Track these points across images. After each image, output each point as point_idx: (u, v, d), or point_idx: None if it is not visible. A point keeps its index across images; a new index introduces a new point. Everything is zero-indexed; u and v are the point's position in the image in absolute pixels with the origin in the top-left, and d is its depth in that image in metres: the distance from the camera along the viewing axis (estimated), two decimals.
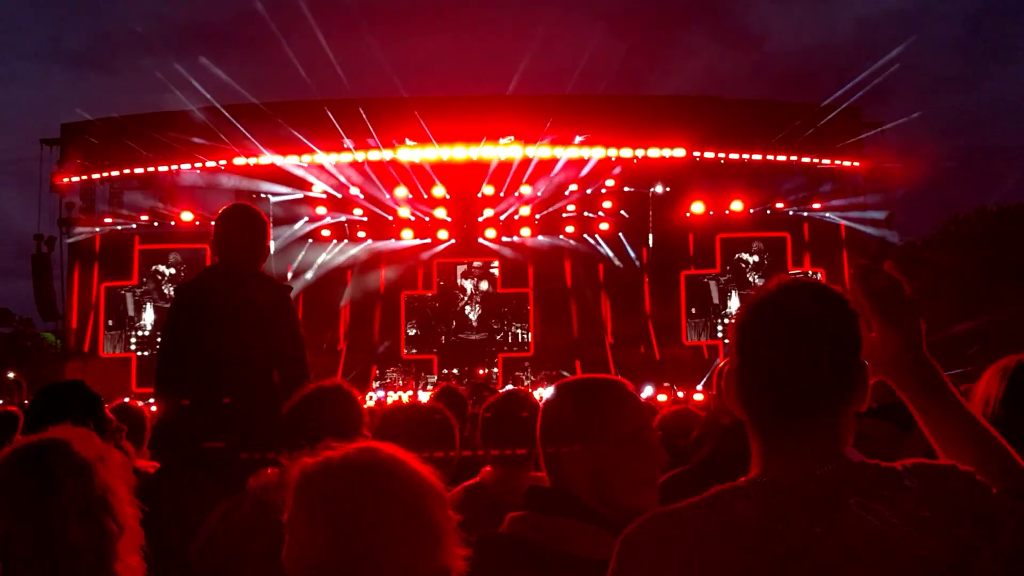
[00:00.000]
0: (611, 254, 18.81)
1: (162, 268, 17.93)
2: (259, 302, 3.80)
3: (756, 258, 18.70)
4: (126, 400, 5.67)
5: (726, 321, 18.37)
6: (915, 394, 1.55)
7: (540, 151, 16.53)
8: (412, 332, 19.04)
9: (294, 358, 3.82)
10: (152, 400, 4.00)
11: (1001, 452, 1.48)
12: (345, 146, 16.22)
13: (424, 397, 14.11)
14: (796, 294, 1.46)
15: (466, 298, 19.26)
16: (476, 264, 19.29)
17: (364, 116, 15.75)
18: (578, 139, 16.41)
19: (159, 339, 4.12)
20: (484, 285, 19.29)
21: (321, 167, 16.84)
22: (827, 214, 18.36)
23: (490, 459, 3.16)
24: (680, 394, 14.26)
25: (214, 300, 3.83)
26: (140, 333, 17.90)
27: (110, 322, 17.84)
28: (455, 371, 18.04)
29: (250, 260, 3.94)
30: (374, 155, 16.48)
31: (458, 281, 19.30)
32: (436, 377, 17.90)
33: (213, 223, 4.06)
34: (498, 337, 19.08)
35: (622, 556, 1.43)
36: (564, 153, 16.68)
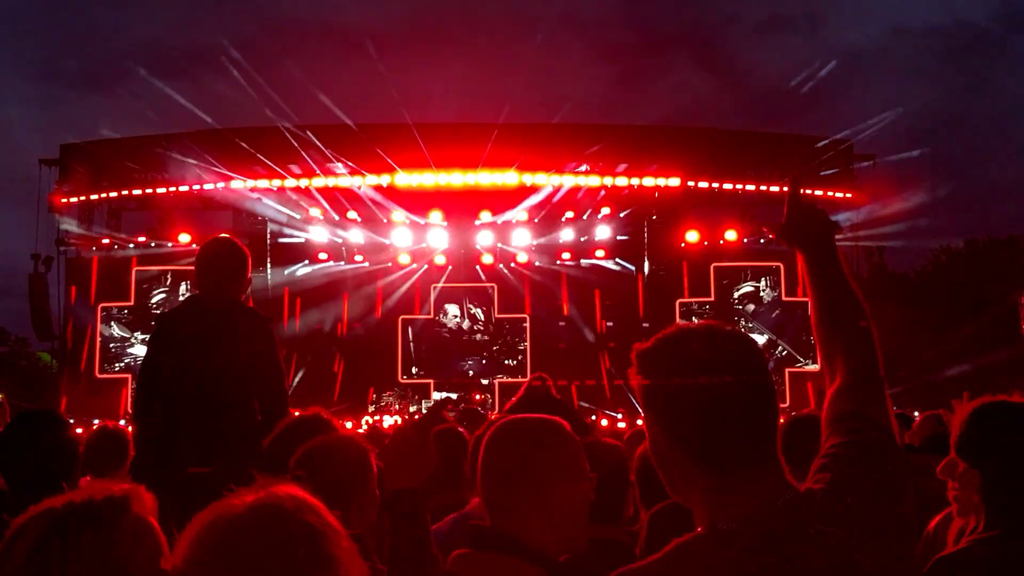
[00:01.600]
0: (606, 288, 18.89)
1: (157, 294, 17.94)
2: (237, 334, 3.82)
3: (750, 288, 18.81)
4: (113, 423, 5.70)
5: None
6: (817, 258, 1.88)
7: (537, 178, 16.66)
8: (408, 356, 19.06)
9: (273, 390, 3.85)
10: (133, 427, 4.02)
11: (864, 330, 1.72)
12: (342, 170, 16.33)
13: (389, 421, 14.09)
14: (705, 340, 1.50)
15: (463, 323, 19.30)
16: (473, 289, 19.35)
17: (361, 141, 15.88)
18: (574, 166, 16.56)
19: (140, 370, 4.19)
20: (481, 310, 19.35)
21: (318, 190, 16.93)
22: None
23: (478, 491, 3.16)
24: None
25: (191, 331, 3.87)
26: (133, 355, 17.89)
27: (106, 343, 17.82)
28: (452, 395, 18.06)
29: (228, 291, 3.97)
30: (371, 179, 16.59)
31: (455, 306, 19.36)
32: (432, 403, 17.91)
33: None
34: (495, 362, 19.12)
35: None
36: (561, 180, 16.81)
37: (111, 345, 17.82)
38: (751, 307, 18.65)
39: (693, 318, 18.51)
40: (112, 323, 17.84)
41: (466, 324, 19.23)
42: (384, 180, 16.39)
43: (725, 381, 1.43)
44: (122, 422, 14.49)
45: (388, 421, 15.52)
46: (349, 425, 11.33)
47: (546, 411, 2.22)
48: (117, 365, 17.85)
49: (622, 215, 18.25)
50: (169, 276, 17.97)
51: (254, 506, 1.23)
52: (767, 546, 1.36)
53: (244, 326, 3.88)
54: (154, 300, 17.97)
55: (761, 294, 18.69)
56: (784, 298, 18.65)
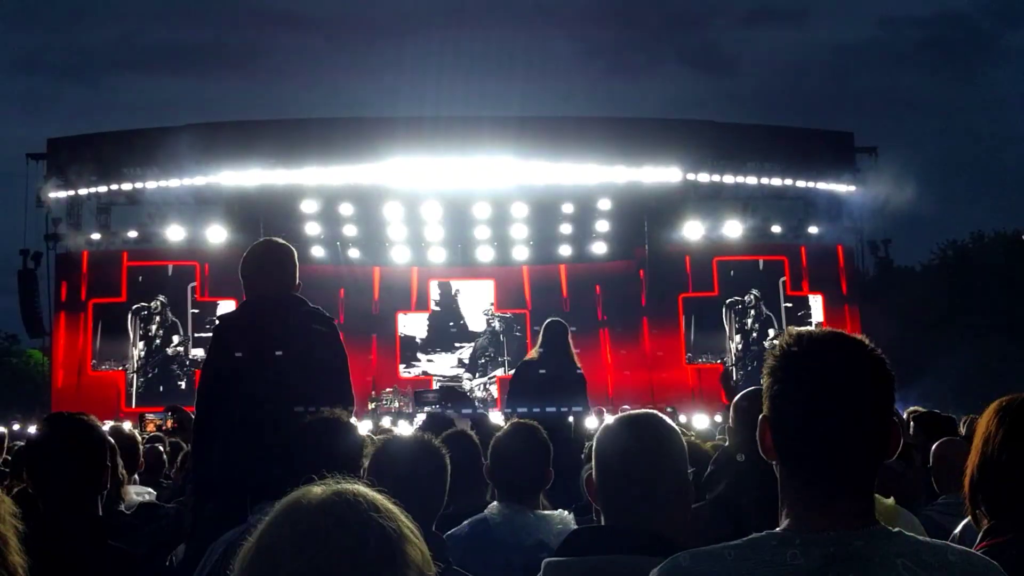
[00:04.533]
0: (606, 282, 18.66)
1: (148, 290, 17.69)
2: (307, 331, 3.76)
3: (754, 281, 18.59)
4: (124, 423, 5.49)
5: (733, 347, 18.25)
6: None
7: (536, 171, 16.43)
8: (406, 352, 18.84)
9: (343, 388, 3.74)
10: (192, 439, 3.87)
11: None
12: (337, 163, 16.10)
13: (421, 419, 13.90)
14: (840, 350, 1.46)
15: (462, 318, 19.08)
16: (472, 284, 19.13)
17: (355, 134, 15.66)
18: (574, 159, 16.33)
19: (201, 373, 3.98)
20: (480, 305, 19.12)
21: (313, 185, 16.69)
22: (823, 238, 18.30)
23: (497, 495, 3.14)
24: (683, 419, 14.06)
25: (262, 330, 3.73)
26: (133, 352, 17.63)
27: (97, 340, 17.54)
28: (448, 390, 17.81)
29: (288, 289, 3.87)
30: (367, 174, 16.34)
31: (452, 301, 19.13)
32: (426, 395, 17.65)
33: (244, 257, 3.95)
34: (495, 358, 18.89)
35: None
36: (559, 173, 16.59)
37: (103, 342, 17.54)
38: (749, 300, 18.44)
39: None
40: (106, 320, 17.56)
41: (465, 319, 19.00)
42: (379, 173, 16.14)
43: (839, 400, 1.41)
44: (109, 424, 14.20)
45: (387, 421, 15.21)
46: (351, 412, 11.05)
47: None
48: (109, 363, 17.58)
49: (622, 208, 17.99)
50: (160, 272, 17.69)
51: (329, 496, 1.24)
52: (849, 558, 1.36)
53: (312, 321, 3.81)
54: (145, 295, 17.71)
55: (765, 288, 18.45)
56: (788, 292, 18.42)
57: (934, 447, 4.18)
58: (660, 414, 2.11)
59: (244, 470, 3.39)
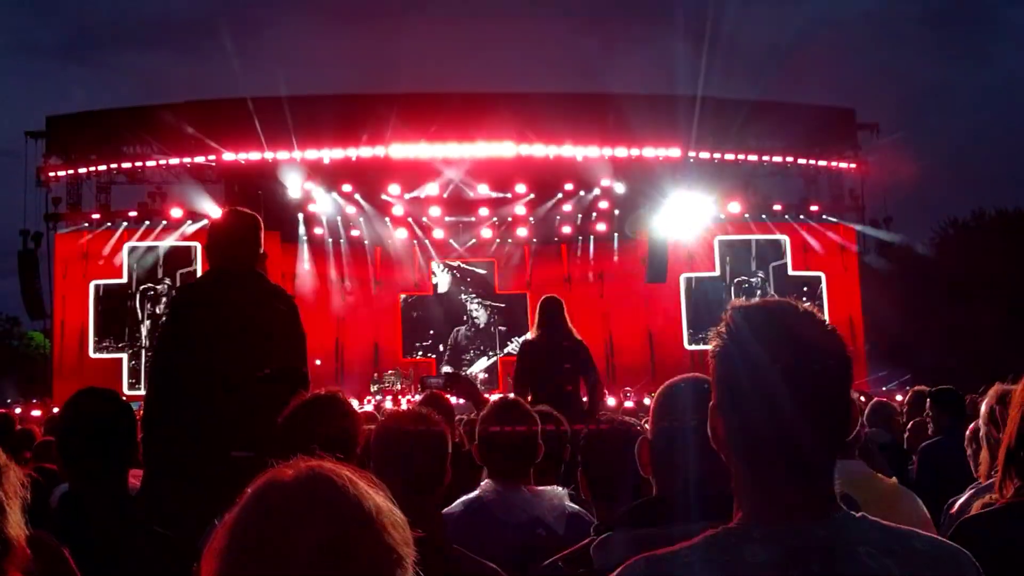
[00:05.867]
0: (607, 261, 18.61)
1: (150, 270, 17.66)
2: (264, 306, 3.72)
3: (756, 260, 18.55)
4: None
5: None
6: None
7: (535, 149, 16.34)
8: (409, 334, 18.84)
9: (299, 365, 3.74)
10: (144, 407, 3.76)
11: None
12: (336, 143, 16.01)
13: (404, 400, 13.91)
14: (792, 329, 1.35)
15: (463, 299, 19.06)
16: (472, 265, 19.09)
17: (354, 111, 15.57)
18: (573, 140, 16.24)
19: (155, 345, 3.96)
20: (480, 286, 19.10)
21: (314, 163, 16.62)
22: (825, 216, 18.24)
23: (488, 472, 3.12)
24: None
25: (217, 305, 3.71)
26: (133, 334, 17.62)
27: (99, 321, 17.53)
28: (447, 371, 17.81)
29: (248, 264, 3.84)
30: (366, 152, 16.26)
31: (454, 282, 19.11)
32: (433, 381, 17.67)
33: (207, 227, 3.98)
34: (496, 339, 18.89)
35: None
36: (559, 152, 16.50)
37: (105, 323, 17.53)
38: (753, 279, 18.41)
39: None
40: (106, 301, 17.54)
41: (466, 300, 18.99)
42: (380, 152, 16.06)
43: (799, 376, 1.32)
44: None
45: (390, 401, 15.24)
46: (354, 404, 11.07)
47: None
48: (111, 344, 17.58)
49: (622, 186, 17.91)
50: (162, 251, 17.66)
51: (303, 475, 1.21)
52: (811, 550, 1.30)
53: (269, 299, 3.79)
54: (147, 276, 17.69)
55: (767, 266, 18.43)
56: (793, 270, 18.38)
57: (969, 431, 4.01)
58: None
59: (193, 447, 3.39)
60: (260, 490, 1.20)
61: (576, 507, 3.04)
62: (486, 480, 3.10)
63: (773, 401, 1.31)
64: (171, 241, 17.51)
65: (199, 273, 17.53)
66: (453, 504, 3.05)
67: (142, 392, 16.77)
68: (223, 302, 3.70)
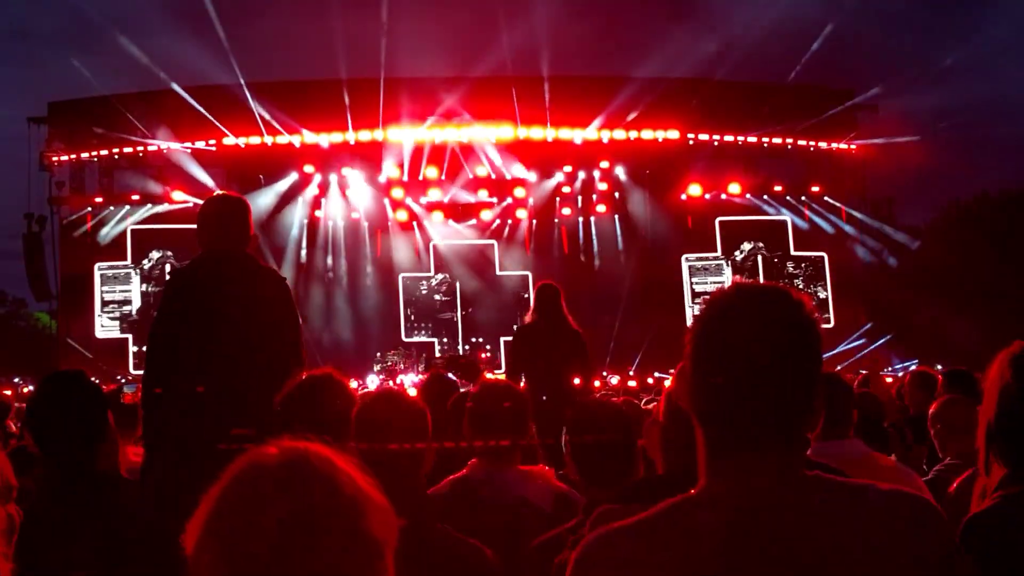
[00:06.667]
0: (608, 243, 18.64)
1: (153, 253, 17.77)
2: (257, 287, 3.77)
3: (758, 243, 18.56)
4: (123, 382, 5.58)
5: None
6: None
7: (534, 132, 16.35)
8: (409, 315, 18.90)
9: (292, 343, 3.79)
10: (143, 386, 3.86)
11: None
12: (337, 127, 16.04)
13: (410, 380, 13.98)
14: (764, 304, 1.41)
15: (464, 280, 19.10)
16: (473, 246, 19.11)
17: (354, 97, 15.57)
18: (573, 119, 16.24)
19: (152, 327, 4.01)
20: (481, 266, 19.13)
21: (314, 147, 16.65)
22: (826, 197, 18.24)
23: (476, 451, 3.14)
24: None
25: (211, 286, 3.77)
26: (136, 315, 17.74)
27: (104, 303, 17.66)
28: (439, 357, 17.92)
29: (239, 245, 3.89)
30: (365, 135, 16.29)
31: (454, 263, 19.14)
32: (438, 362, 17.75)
33: (198, 212, 3.98)
34: (497, 319, 18.92)
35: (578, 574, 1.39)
36: (559, 134, 16.51)
37: (109, 305, 17.66)
38: (752, 262, 18.44)
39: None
40: (109, 283, 17.67)
41: (467, 282, 19.02)
42: (378, 135, 16.08)
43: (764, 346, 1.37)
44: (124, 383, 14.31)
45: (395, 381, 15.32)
46: (355, 384, 11.16)
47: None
48: (116, 325, 17.71)
49: (622, 169, 17.93)
50: (164, 234, 17.76)
51: (284, 455, 1.20)
52: (762, 515, 1.32)
53: (261, 279, 3.84)
54: (150, 258, 17.80)
55: (768, 248, 18.45)
56: (793, 252, 18.41)
57: (931, 409, 4.14)
58: None
59: (190, 426, 3.45)
60: (241, 468, 1.20)
61: (564, 487, 3.10)
62: (474, 460, 3.14)
63: (739, 368, 1.37)
64: (172, 224, 17.61)
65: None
66: (441, 484, 3.08)
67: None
68: (218, 282, 3.75)
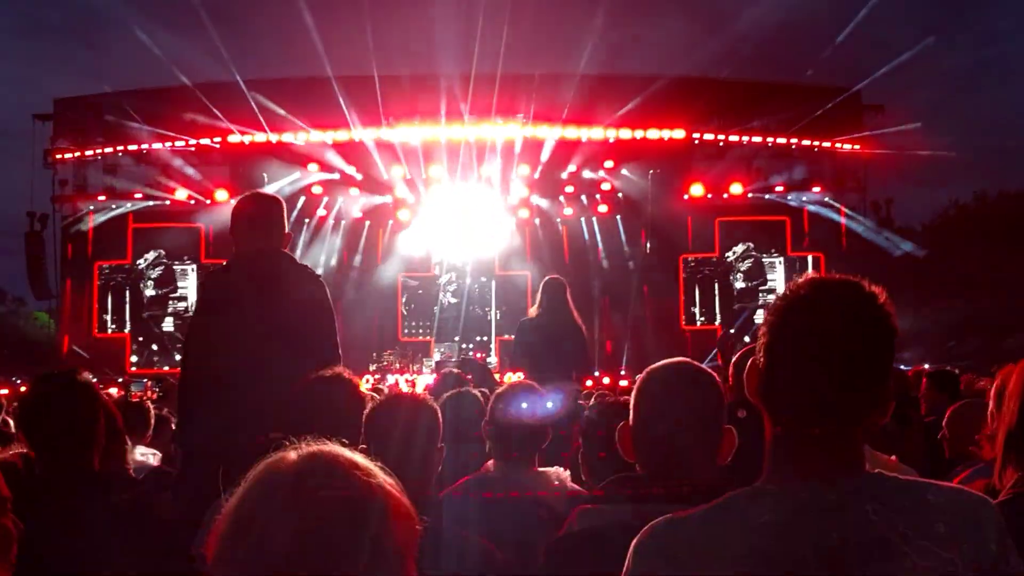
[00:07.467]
0: (609, 243, 18.66)
1: (152, 252, 17.79)
2: (301, 293, 3.70)
3: (753, 243, 18.58)
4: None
5: (735, 306, 18.34)
6: None
7: (538, 131, 16.34)
8: (408, 314, 18.91)
9: (331, 344, 3.72)
10: (178, 401, 3.84)
11: None
12: (341, 124, 16.03)
13: (422, 380, 13.98)
14: (837, 299, 1.42)
15: (463, 280, 19.10)
16: (473, 245, 19.12)
17: (358, 94, 15.56)
18: (578, 118, 16.23)
19: (188, 329, 3.95)
20: (481, 265, 19.14)
21: (317, 145, 16.64)
22: (826, 198, 18.25)
23: (494, 453, 3.19)
24: None
25: (247, 288, 3.69)
26: (137, 314, 17.75)
27: (104, 302, 17.67)
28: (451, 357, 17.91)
29: (275, 245, 3.82)
30: (371, 133, 16.28)
31: (456, 263, 19.15)
32: (433, 361, 17.75)
33: (232, 211, 3.91)
34: (496, 319, 18.94)
35: (636, 561, 1.43)
36: (562, 133, 16.50)
37: (109, 304, 17.67)
38: (747, 264, 18.48)
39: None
40: (110, 281, 17.67)
41: (466, 281, 19.03)
42: (383, 133, 16.08)
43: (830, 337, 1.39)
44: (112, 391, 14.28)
45: (390, 380, 15.35)
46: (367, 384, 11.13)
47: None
48: (116, 324, 17.71)
49: (625, 168, 17.92)
50: (167, 232, 17.77)
51: (304, 460, 1.19)
52: (817, 509, 1.34)
53: (297, 278, 3.76)
54: (151, 258, 17.81)
55: (764, 248, 18.48)
56: (789, 253, 18.43)
57: (949, 411, 4.12)
58: (696, 363, 2.13)
59: (230, 432, 3.41)
60: (258, 474, 1.20)
61: (577, 487, 3.11)
62: (491, 461, 3.16)
63: (815, 361, 1.38)
64: (175, 223, 17.62)
65: (202, 256, 17.66)
66: (456, 483, 3.09)
67: (146, 370, 16.99)
68: (253, 282, 3.68)
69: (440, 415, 2.70)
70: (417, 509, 1.26)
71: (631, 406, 2.09)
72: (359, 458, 1.23)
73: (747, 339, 17.64)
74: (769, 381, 1.44)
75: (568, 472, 3.14)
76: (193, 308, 17.61)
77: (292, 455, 1.21)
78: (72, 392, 2.76)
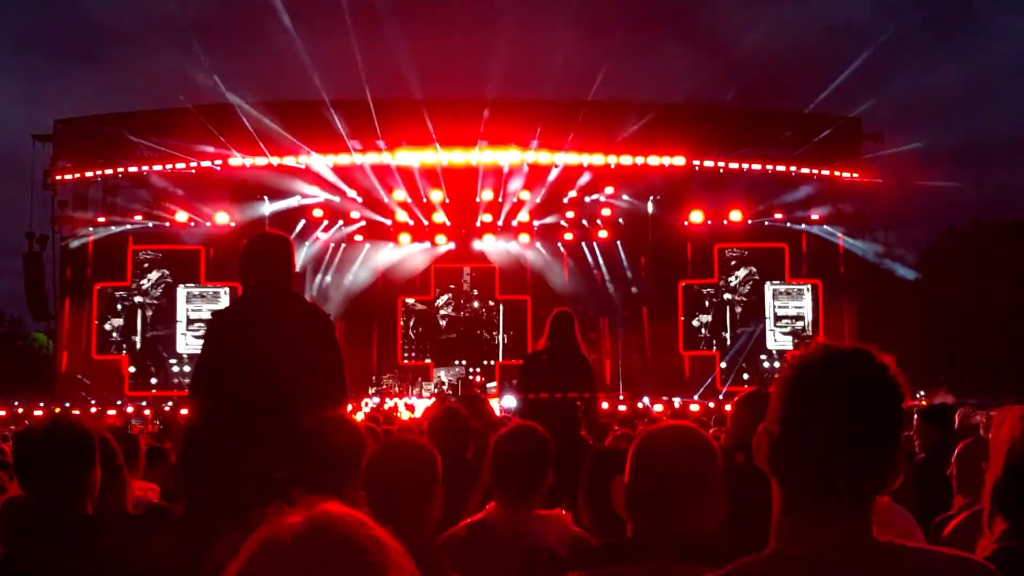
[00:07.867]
0: (609, 269, 18.71)
1: (153, 273, 17.79)
2: (302, 328, 3.69)
3: (752, 268, 18.61)
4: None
5: (725, 336, 18.36)
6: None
7: (539, 156, 16.40)
8: (408, 337, 18.91)
9: (338, 386, 3.71)
10: (182, 443, 3.81)
11: None
12: (342, 148, 16.08)
13: (420, 404, 13.95)
14: (849, 372, 1.41)
15: (463, 303, 19.12)
16: (474, 269, 19.15)
17: (359, 118, 15.62)
18: (578, 144, 16.30)
19: (194, 371, 3.96)
20: (482, 290, 19.16)
21: (317, 168, 16.69)
22: (825, 226, 18.29)
23: (496, 496, 3.11)
24: (676, 403, 14.21)
25: (255, 328, 3.68)
26: (135, 336, 17.73)
27: (103, 324, 17.64)
28: (450, 379, 17.90)
29: (283, 286, 3.80)
30: (372, 158, 16.33)
31: (454, 287, 19.17)
32: (432, 384, 17.74)
33: (240, 250, 3.88)
34: (494, 344, 18.94)
35: None
36: (563, 159, 16.56)
37: (108, 326, 17.65)
38: (746, 289, 18.51)
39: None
40: (109, 304, 17.66)
41: (467, 306, 19.04)
42: (385, 158, 16.14)
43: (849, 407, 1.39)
44: (110, 412, 14.25)
45: (389, 404, 15.32)
46: (349, 408, 11.11)
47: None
48: (114, 346, 17.68)
49: (626, 194, 17.98)
50: (166, 255, 17.79)
51: (305, 525, 1.14)
52: None
53: (305, 318, 3.75)
54: (150, 280, 17.81)
55: (761, 275, 18.51)
56: (788, 280, 18.45)
57: (959, 448, 4.06)
58: (695, 428, 2.12)
59: (237, 473, 3.39)
60: (259, 546, 1.16)
61: (580, 531, 3.08)
62: (492, 504, 3.11)
63: (826, 428, 1.38)
64: (175, 245, 17.64)
65: (202, 278, 17.67)
66: (457, 526, 3.05)
67: (144, 392, 16.95)
68: (260, 322, 3.67)
69: (439, 460, 2.66)
70: (418, 558, 1.23)
71: (627, 463, 2.07)
72: (360, 518, 1.18)
73: (745, 376, 17.71)
74: (781, 452, 1.43)
75: (568, 514, 3.12)
76: (190, 330, 17.83)
77: (293, 522, 1.16)
78: (65, 436, 2.72)
